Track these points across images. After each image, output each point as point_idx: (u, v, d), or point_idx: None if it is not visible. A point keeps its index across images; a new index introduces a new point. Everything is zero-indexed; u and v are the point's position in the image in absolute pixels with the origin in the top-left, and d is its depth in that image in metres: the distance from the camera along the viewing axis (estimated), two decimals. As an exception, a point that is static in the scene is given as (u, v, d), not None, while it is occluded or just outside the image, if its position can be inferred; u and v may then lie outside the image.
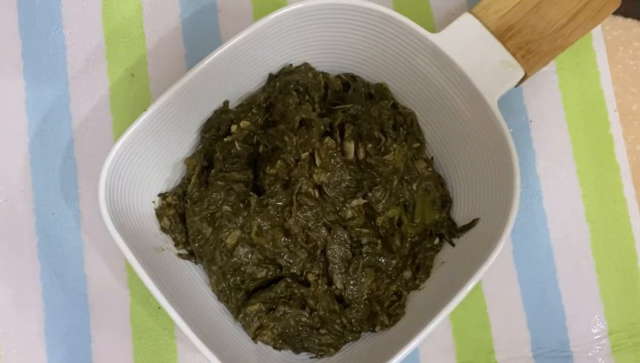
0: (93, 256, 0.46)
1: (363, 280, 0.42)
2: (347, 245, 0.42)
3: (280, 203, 0.42)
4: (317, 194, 0.42)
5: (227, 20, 0.48)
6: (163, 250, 0.43)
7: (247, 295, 0.43)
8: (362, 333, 0.43)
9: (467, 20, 0.42)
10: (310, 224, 0.42)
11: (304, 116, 0.43)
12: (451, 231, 0.43)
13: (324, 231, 0.42)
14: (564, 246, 0.45)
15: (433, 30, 0.48)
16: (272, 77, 0.45)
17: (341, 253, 0.42)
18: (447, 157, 0.44)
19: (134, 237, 0.41)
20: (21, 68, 0.48)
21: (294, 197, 0.42)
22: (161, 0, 0.49)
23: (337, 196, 0.42)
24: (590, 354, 0.44)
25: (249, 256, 0.42)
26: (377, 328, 0.42)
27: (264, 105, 0.45)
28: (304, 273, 0.42)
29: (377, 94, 0.45)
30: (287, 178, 0.42)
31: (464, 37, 0.42)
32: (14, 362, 0.45)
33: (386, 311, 0.42)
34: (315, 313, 0.42)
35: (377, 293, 0.42)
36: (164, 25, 0.49)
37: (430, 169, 0.44)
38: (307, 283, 0.42)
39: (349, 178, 0.42)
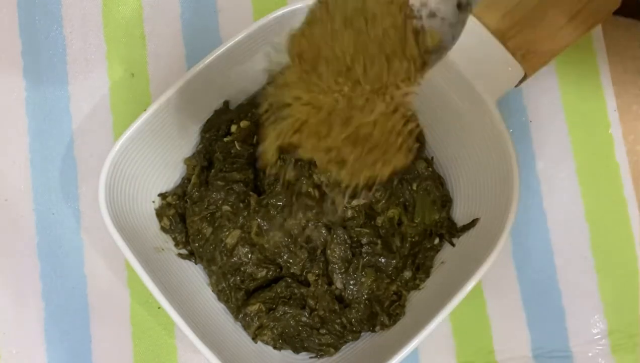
0: (93, 256, 0.46)
1: (363, 280, 0.42)
2: (347, 245, 0.42)
3: (280, 203, 0.42)
4: (317, 194, 0.42)
5: (227, 20, 0.48)
6: (163, 250, 0.43)
7: (247, 295, 0.43)
8: (362, 333, 0.43)
9: (467, 20, 0.42)
10: (310, 224, 0.42)
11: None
12: (451, 231, 0.43)
13: (324, 231, 0.42)
14: (564, 246, 0.45)
15: (433, 30, 0.48)
16: (272, 77, 0.45)
17: (341, 253, 0.42)
18: (447, 157, 0.44)
19: (134, 237, 0.41)
20: (21, 68, 0.48)
21: (294, 197, 0.42)
22: (161, 0, 0.49)
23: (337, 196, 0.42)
24: (590, 354, 0.44)
25: (249, 256, 0.42)
26: (377, 328, 0.42)
27: (264, 105, 0.45)
28: (304, 273, 0.42)
29: (377, 94, 0.45)
30: (287, 178, 0.42)
31: (464, 37, 0.42)
32: (14, 362, 0.45)
33: (386, 311, 0.42)
34: (315, 313, 0.42)
35: (377, 293, 0.42)
36: (164, 25, 0.49)
37: (430, 169, 0.44)
38: (307, 283, 0.42)
39: (349, 178, 0.42)
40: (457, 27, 0.31)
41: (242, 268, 0.42)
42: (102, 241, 0.46)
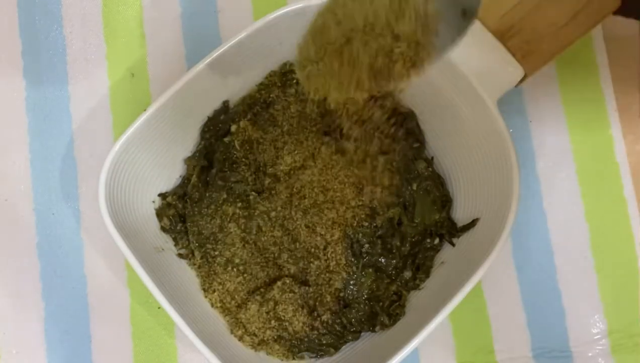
0: (93, 256, 0.46)
1: (363, 280, 0.42)
2: (347, 245, 0.42)
3: (280, 203, 0.42)
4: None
5: (227, 20, 0.48)
6: (163, 250, 0.43)
7: (247, 294, 0.43)
8: (362, 333, 0.43)
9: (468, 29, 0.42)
10: (310, 224, 0.42)
11: (303, 116, 0.43)
12: (451, 231, 0.43)
13: (324, 231, 0.42)
14: (564, 246, 0.45)
15: (433, 30, 0.48)
16: (272, 77, 0.45)
17: (341, 253, 0.42)
18: (447, 157, 0.44)
19: (134, 237, 0.41)
20: (21, 68, 0.48)
21: (294, 196, 0.42)
22: (161, 0, 0.49)
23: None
24: (590, 354, 0.44)
25: (249, 255, 0.42)
26: (377, 328, 0.42)
27: (264, 105, 0.45)
28: (304, 273, 0.42)
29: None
30: (288, 178, 0.43)
31: (464, 37, 0.42)
32: (14, 362, 0.45)
33: (386, 311, 0.42)
34: (316, 313, 0.42)
35: (377, 293, 0.42)
36: (164, 25, 0.49)
37: (430, 169, 0.44)
38: (307, 283, 0.42)
39: (348, 177, 0.42)
40: (458, 33, 0.31)
41: (242, 268, 0.42)
42: (102, 241, 0.46)
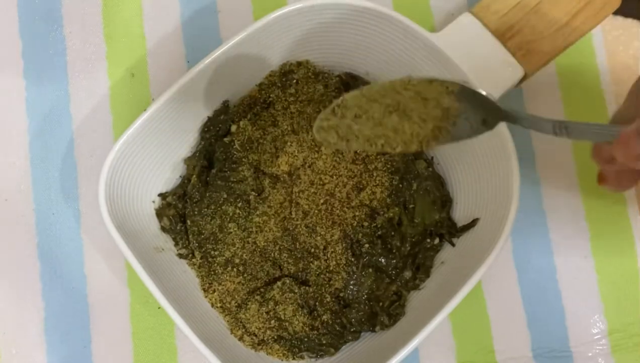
0: (93, 256, 0.46)
1: (363, 280, 0.42)
2: (347, 245, 0.42)
3: (280, 203, 0.42)
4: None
5: (227, 20, 0.49)
6: (163, 250, 0.43)
7: (247, 294, 0.43)
8: (362, 333, 0.43)
9: (467, 20, 0.42)
10: (310, 224, 0.42)
11: (303, 115, 0.43)
12: (451, 231, 0.43)
13: (324, 231, 0.42)
14: (564, 246, 0.45)
15: (433, 30, 0.48)
16: (272, 77, 0.45)
17: (341, 253, 0.42)
18: (447, 157, 0.44)
19: (134, 237, 0.41)
20: (21, 68, 0.48)
21: (294, 196, 0.42)
22: (161, 0, 0.49)
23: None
24: (590, 354, 0.44)
25: (249, 255, 0.42)
26: (377, 328, 0.42)
27: (264, 105, 0.45)
28: (304, 273, 0.42)
29: (377, 94, 0.45)
30: (288, 178, 0.42)
31: (464, 37, 0.42)
32: (13, 362, 0.45)
33: (386, 311, 0.42)
34: (316, 313, 0.42)
35: (377, 293, 0.42)
36: (164, 25, 0.49)
37: (430, 169, 0.44)
38: (307, 283, 0.42)
39: (348, 178, 0.42)
40: (473, 132, 0.35)
41: (241, 268, 0.42)
42: (102, 241, 0.46)
